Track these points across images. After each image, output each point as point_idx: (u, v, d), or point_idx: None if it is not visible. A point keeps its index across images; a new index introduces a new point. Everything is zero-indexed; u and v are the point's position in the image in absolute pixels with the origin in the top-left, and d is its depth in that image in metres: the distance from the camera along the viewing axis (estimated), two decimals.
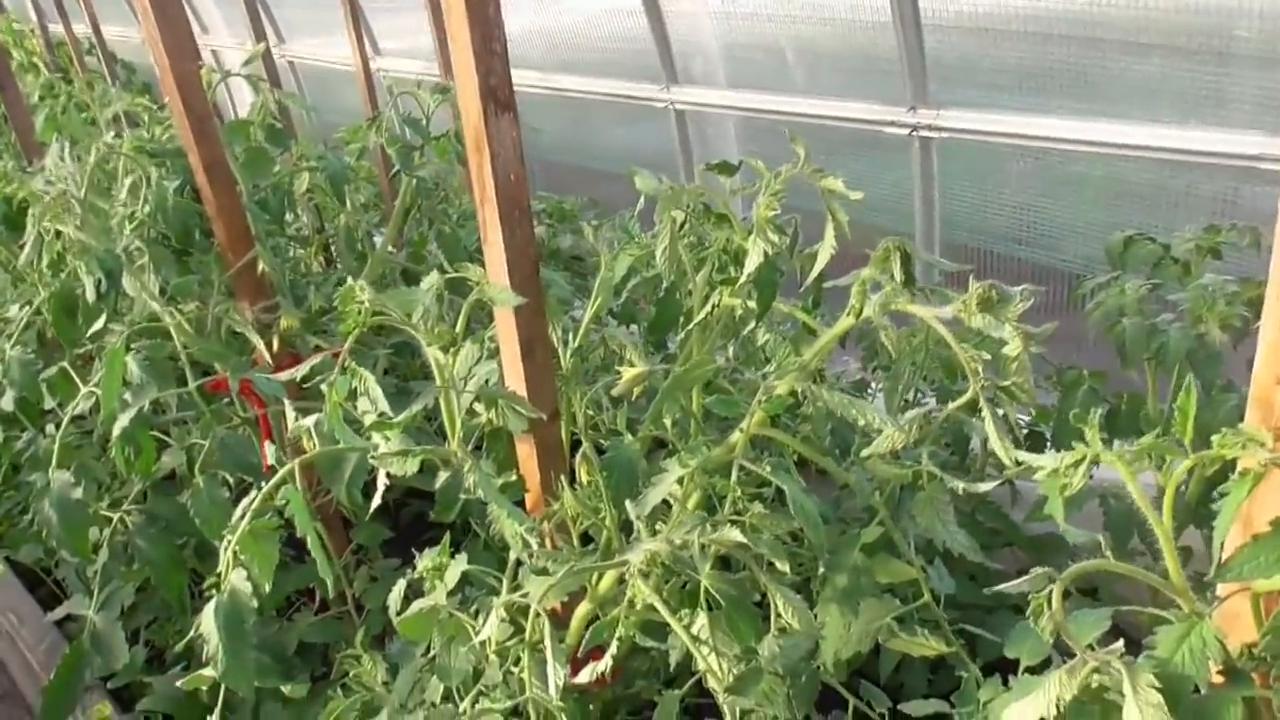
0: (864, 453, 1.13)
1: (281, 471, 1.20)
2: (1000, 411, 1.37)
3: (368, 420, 1.18)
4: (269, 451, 1.37)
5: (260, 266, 1.97)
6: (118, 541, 1.94)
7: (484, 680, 1.27)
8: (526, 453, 1.42)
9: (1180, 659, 0.78)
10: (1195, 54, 2.50)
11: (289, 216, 2.64)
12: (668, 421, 1.29)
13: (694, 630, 1.09)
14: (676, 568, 1.01)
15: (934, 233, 3.27)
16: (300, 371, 1.24)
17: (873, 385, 2.51)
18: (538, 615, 1.06)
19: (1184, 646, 0.78)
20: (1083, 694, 0.81)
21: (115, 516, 1.94)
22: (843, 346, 2.36)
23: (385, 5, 4.90)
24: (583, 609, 1.34)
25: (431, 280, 1.19)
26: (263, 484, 1.62)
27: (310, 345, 2.13)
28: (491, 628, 1.12)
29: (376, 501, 1.23)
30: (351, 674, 1.62)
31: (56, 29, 6.08)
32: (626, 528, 1.40)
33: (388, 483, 1.17)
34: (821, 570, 1.14)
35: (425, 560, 1.43)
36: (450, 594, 1.38)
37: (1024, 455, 0.87)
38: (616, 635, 1.05)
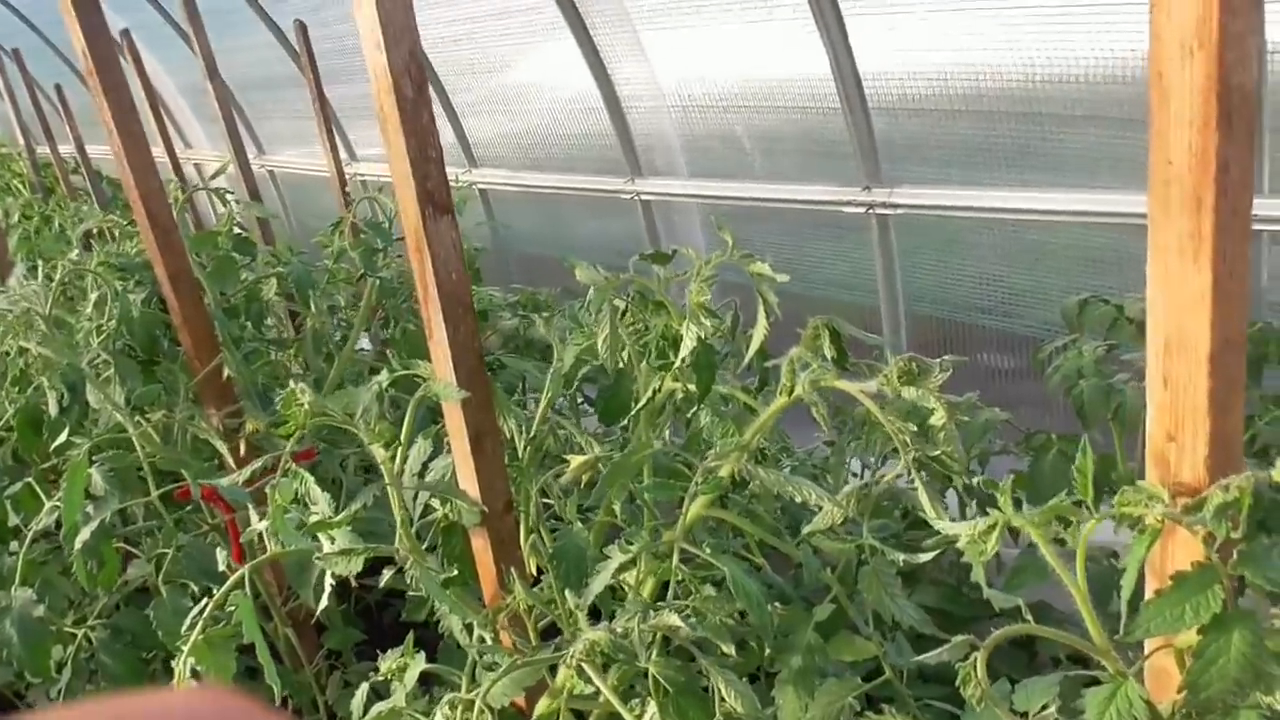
0: (805, 530, 1.14)
1: (232, 579, 1.20)
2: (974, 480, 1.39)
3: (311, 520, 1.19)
4: (220, 558, 1.37)
5: (225, 372, 2.00)
6: (82, 659, 1.91)
7: None
8: (481, 546, 1.43)
9: None
10: (1128, 123, 2.60)
11: (269, 320, 2.69)
12: (616, 507, 1.31)
13: (645, 719, 1.08)
14: (619, 657, 1.01)
15: (898, 305, 3.33)
16: (243, 476, 1.26)
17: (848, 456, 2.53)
18: (482, 712, 1.05)
19: (1111, 708, 0.79)
20: None
21: (80, 633, 1.93)
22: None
23: (361, 113, 5.07)
24: (543, 703, 1.33)
25: (377, 380, 1.21)
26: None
27: (279, 448, 2.14)
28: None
29: (324, 603, 1.23)
30: None
31: (44, 151, 6.25)
32: (595, 615, 1.40)
33: (337, 584, 1.17)
34: (769, 652, 1.14)
35: (388, 661, 1.42)
36: (416, 695, 1.37)
37: (942, 524, 0.88)
38: None
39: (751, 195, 3.55)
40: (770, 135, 3.44)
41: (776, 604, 1.33)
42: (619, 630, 1.00)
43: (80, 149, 5.49)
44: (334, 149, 3.91)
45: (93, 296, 1.94)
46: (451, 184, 3.79)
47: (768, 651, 1.15)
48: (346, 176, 4.88)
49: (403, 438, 1.29)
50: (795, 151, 3.39)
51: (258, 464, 1.23)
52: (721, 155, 3.63)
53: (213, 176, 2.31)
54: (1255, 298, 2.62)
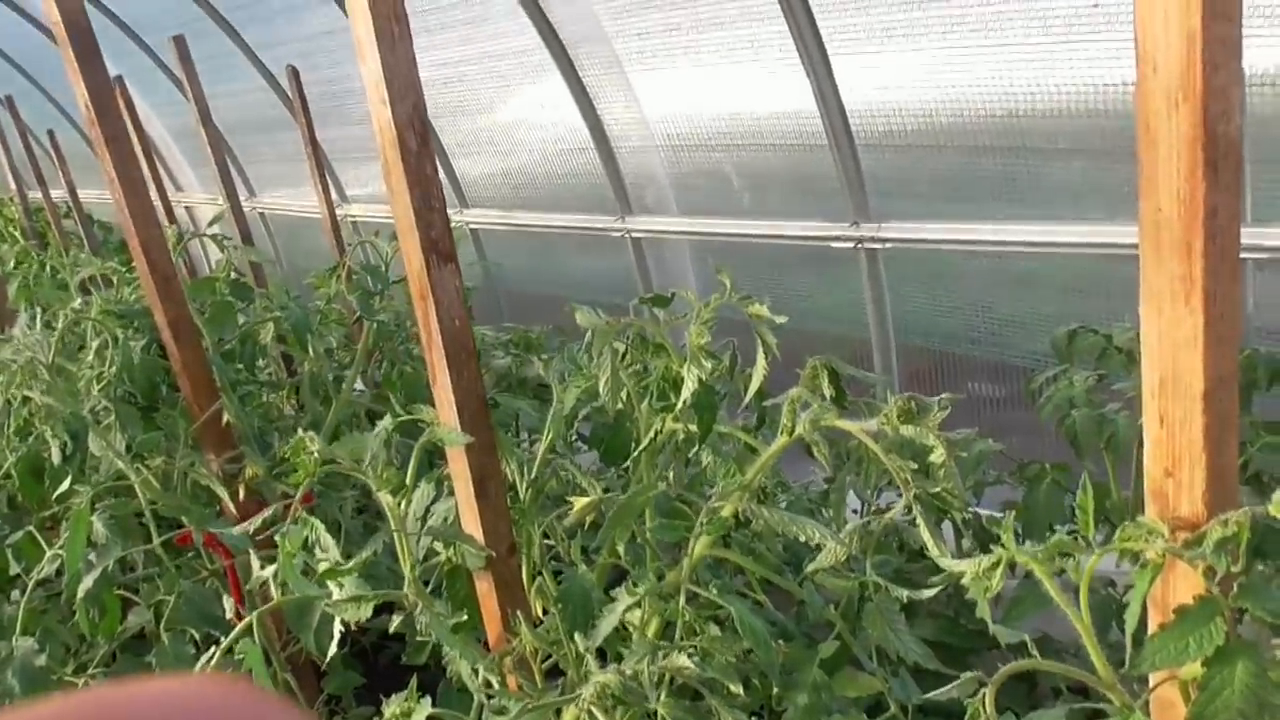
0: (808, 568, 1.15)
1: (240, 626, 1.20)
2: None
3: (321, 568, 1.20)
4: (227, 605, 1.37)
5: (225, 418, 2.00)
6: None
7: None
8: (485, 589, 1.43)
9: None
10: (1112, 154, 2.65)
11: (261, 363, 2.70)
12: (620, 549, 1.32)
13: None
14: (629, 699, 1.02)
15: (889, 338, 3.37)
16: (253, 524, 1.26)
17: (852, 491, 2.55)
18: None
19: None
20: None
21: (80, 682, 1.91)
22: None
23: (352, 155, 5.11)
24: None
25: (382, 426, 1.23)
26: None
27: (277, 492, 2.15)
28: None
29: (332, 650, 1.23)
30: None
31: (35, 195, 6.27)
32: (600, 655, 1.40)
33: (343, 630, 1.18)
34: (776, 690, 1.15)
35: (391, 706, 1.42)
36: None
37: (946, 562, 0.90)
38: None
39: (741, 231, 3.60)
40: (758, 172, 3.49)
41: (780, 641, 1.34)
42: (628, 672, 1.01)
43: (72, 194, 5.52)
44: (326, 191, 3.94)
45: (94, 344, 1.95)
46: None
47: (774, 689, 1.15)
48: (340, 218, 4.92)
49: (408, 483, 1.30)
50: (783, 188, 3.44)
51: (268, 512, 1.24)
52: (710, 192, 3.67)
53: (210, 224, 2.34)
54: (1243, 324, 2.66)
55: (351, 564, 1.17)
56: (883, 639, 1.15)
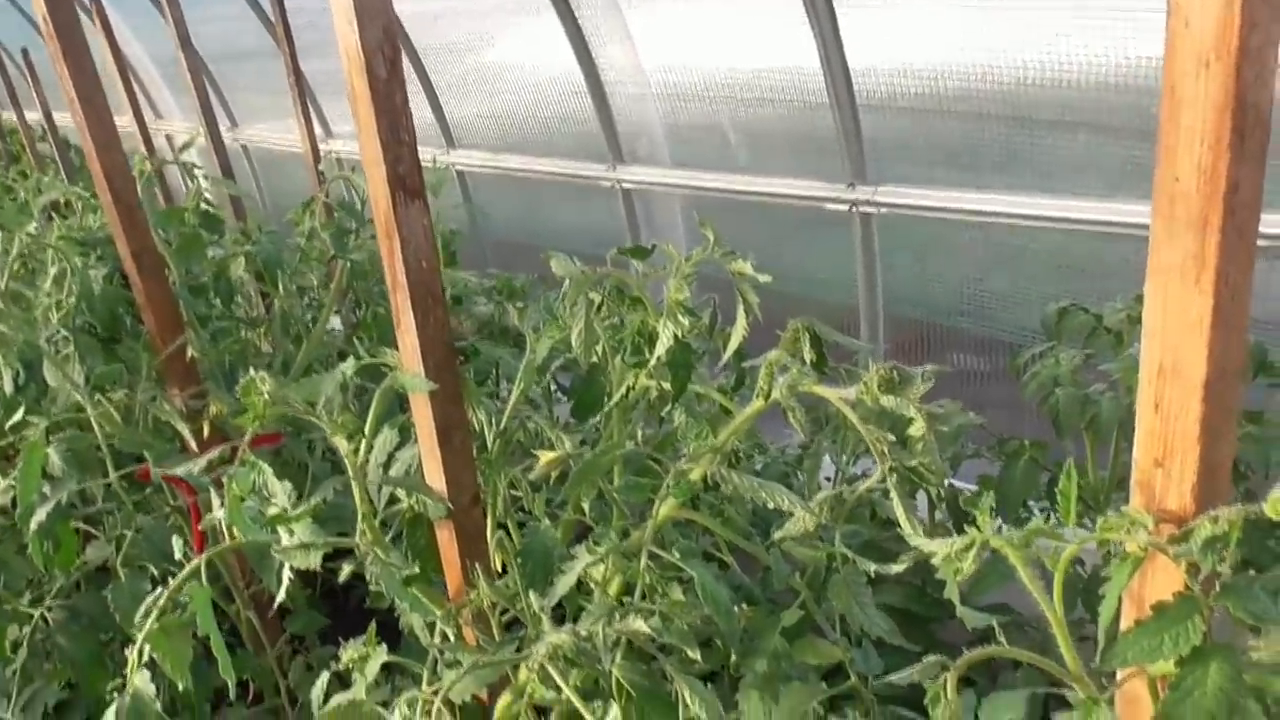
0: (775, 535, 1.11)
1: (188, 568, 1.16)
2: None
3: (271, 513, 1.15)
4: (176, 546, 1.33)
5: (189, 353, 1.94)
6: (38, 639, 1.86)
7: None
8: (446, 540, 1.39)
9: None
10: (1117, 131, 2.59)
11: (238, 300, 2.62)
12: (585, 505, 1.28)
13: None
14: (581, 661, 0.98)
15: (877, 306, 3.32)
16: (199, 464, 1.21)
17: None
18: (440, 711, 1.02)
19: None
20: None
21: (36, 613, 1.88)
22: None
23: (337, 88, 4.97)
24: (504, 700, 1.30)
25: (340, 369, 1.17)
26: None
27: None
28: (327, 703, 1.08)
29: (281, 594, 1.19)
30: None
31: (9, 115, 6.09)
32: (560, 609, 1.37)
33: (311, 570, 1.13)
34: (734, 657, 1.12)
35: (349, 651, 1.38)
36: (378, 684, 1.34)
37: (919, 540, 0.86)
38: None
39: (734, 188, 3.52)
40: (755, 128, 3.40)
41: (744, 605, 1.31)
42: (583, 633, 0.97)
43: (48, 116, 5.37)
44: (308, 124, 3.83)
45: (52, 271, 1.88)
46: (428, 165, 3.72)
47: (733, 655, 1.12)
48: (321, 153, 4.80)
49: (368, 429, 1.25)
50: (780, 145, 3.36)
51: (215, 453, 1.18)
52: (705, 145, 3.58)
53: (181, 150, 2.25)
54: None
55: (299, 511, 1.12)
56: (848, 611, 1.12)
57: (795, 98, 3.18)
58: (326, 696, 1.35)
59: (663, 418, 1.35)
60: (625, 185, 3.84)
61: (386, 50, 1.17)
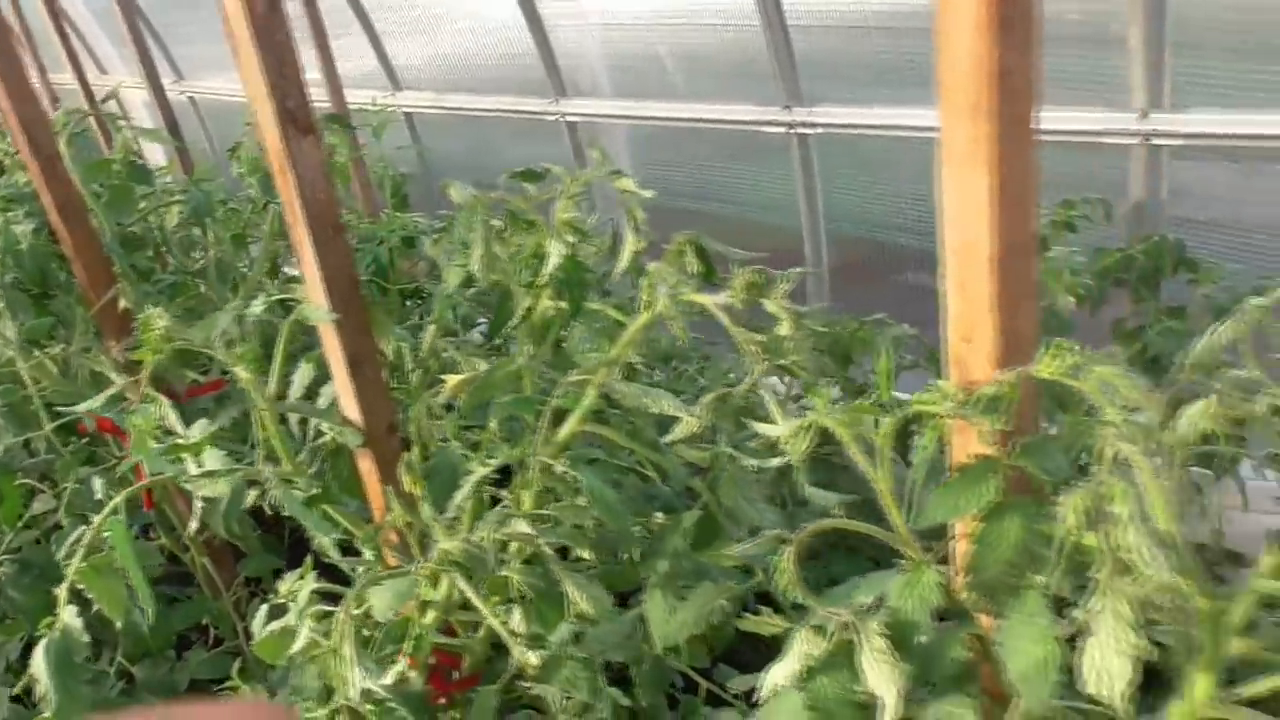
0: (666, 439, 1.17)
1: (108, 506, 1.21)
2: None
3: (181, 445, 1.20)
4: (97, 487, 1.38)
5: (122, 304, 1.97)
6: None
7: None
8: (367, 468, 1.45)
9: (907, 606, 0.83)
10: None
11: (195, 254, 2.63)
12: (494, 425, 1.33)
13: (511, 624, 1.13)
14: (471, 564, 1.04)
15: (819, 225, 3.36)
16: (97, 403, 1.25)
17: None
18: (343, 621, 1.09)
19: (911, 594, 0.84)
20: (836, 649, 0.86)
21: None
22: None
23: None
24: (429, 615, 1.37)
25: (234, 303, 1.21)
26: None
27: (188, 379, 2.13)
28: (302, 640, 1.14)
29: (193, 526, 1.25)
30: None
31: None
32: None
33: (203, 504, 1.19)
34: (626, 556, 1.19)
35: (286, 584, 1.45)
36: (316, 615, 1.40)
37: (761, 427, 0.92)
38: (415, 635, 1.08)
39: (675, 115, 3.52)
40: (692, 54, 3.39)
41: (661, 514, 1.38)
42: (473, 540, 1.03)
43: None
44: None
45: None
46: (369, 107, 3.69)
47: (627, 556, 1.19)
48: None
49: (276, 360, 1.29)
50: (717, 71, 3.36)
51: (111, 390, 1.22)
52: (644, 75, 3.58)
53: (101, 101, 2.24)
54: (1155, 212, 2.68)
55: (198, 439, 1.17)
56: (735, 507, 1.18)
57: (729, 21, 3.17)
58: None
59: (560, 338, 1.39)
60: (569, 118, 3.83)
61: None
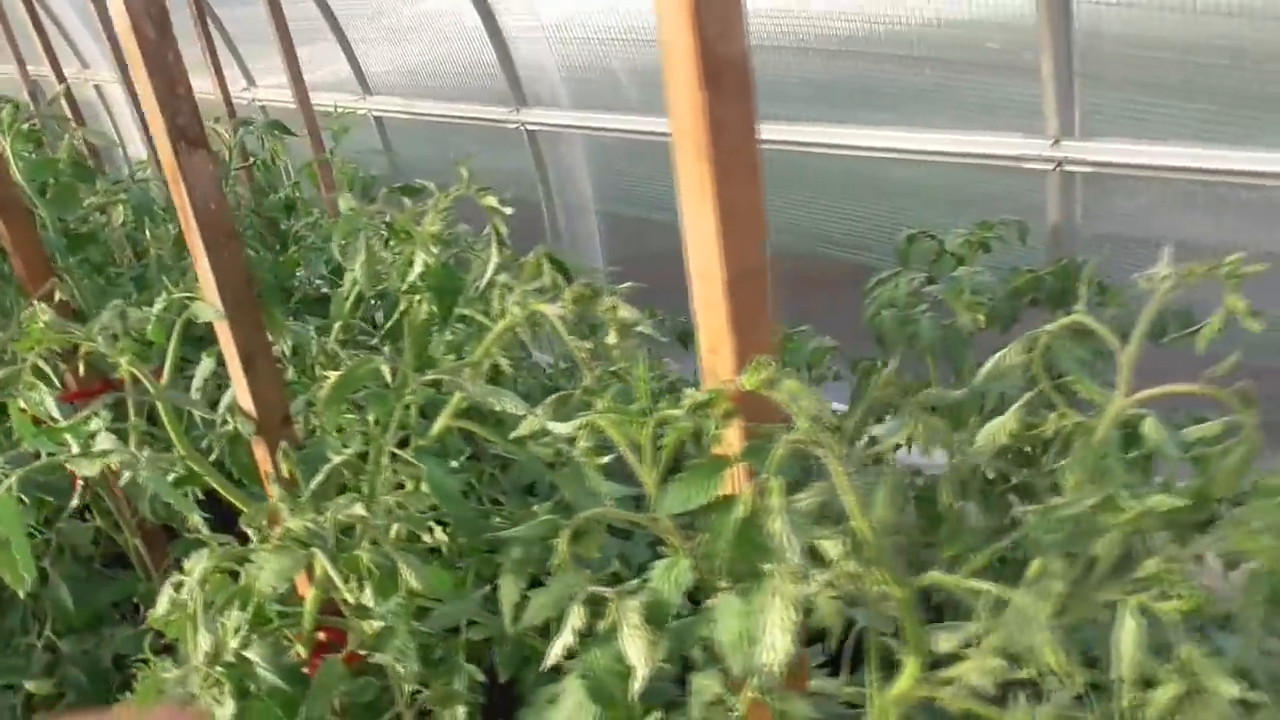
0: (511, 436, 1.28)
1: (3, 486, 1.31)
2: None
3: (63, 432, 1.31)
4: None
5: (58, 296, 2.08)
6: None
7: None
8: (263, 455, 1.56)
9: (664, 588, 0.94)
10: (960, 64, 2.72)
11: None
12: (372, 419, 1.44)
13: (364, 596, 1.24)
14: (312, 542, 1.15)
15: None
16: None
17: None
18: (195, 589, 1.20)
19: (668, 578, 0.95)
20: (609, 626, 0.97)
21: None
22: None
23: (259, 37, 5.01)
24: (311, 592, 1.48)
25: (115, 301, 1.32)
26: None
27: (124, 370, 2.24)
28: (161, 607, 1.25)
29: (74, 503, 1.35)
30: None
31: None
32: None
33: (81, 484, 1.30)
34: (461, 541, 1.30)
35: (189, 565, 1.56)
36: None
37: (552, 425, 1.03)
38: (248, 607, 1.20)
39: (630, 128, 3.63)
40: (644, 68, 3.51)
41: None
42: (318, 520, 1.14)
43: None
44: (219, 74, 3.90)
45: None
46: (330, 110, 3.77)
47: (458, 542, 1.30)
48: (245, 104, 4.85)
49: (170, 352, 1.40)
50: (649, 84, 3.47)
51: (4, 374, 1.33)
52: (600, 87, 3.69)
53: (50, 100, 2.35)
54: (1071, 234, 2.79)
55: (67, 424, 1.28)
56: (576, 499, 1.29)
57: None
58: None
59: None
60: (529, 127, 3.94)
61: (154, 13, 1.30)
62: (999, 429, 1.28)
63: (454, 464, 1.31)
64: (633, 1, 3.40)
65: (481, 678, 1.40)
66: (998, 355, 1.27)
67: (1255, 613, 0.95)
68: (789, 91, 3.13)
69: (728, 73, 0.79)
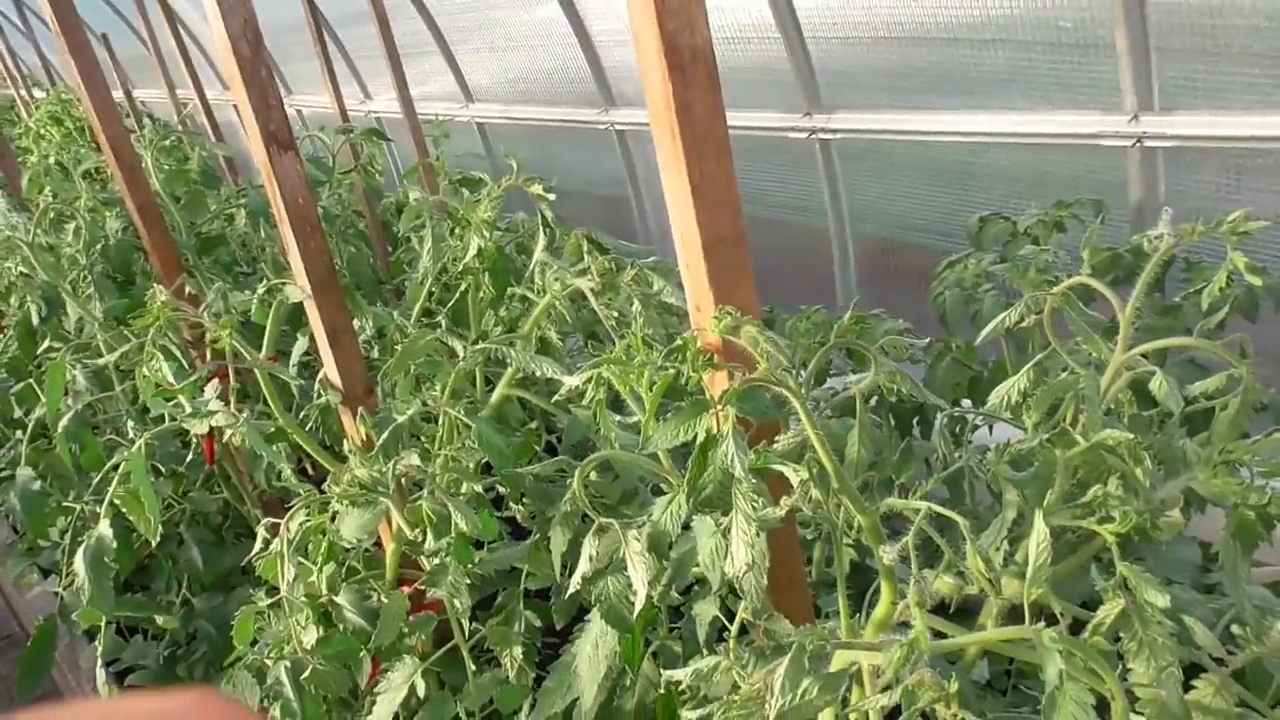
0: (554, 399, 1.42)
1: (133, 449, 1.54)
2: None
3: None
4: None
5: (187, 289, 2.35)
6: (78, 527, 2.33)
7: None
8: (349, 422, 1.75)
9: (663, 521, 1.06)
10: (1030, 44, 2.71)
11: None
12: (439, 388, 1.61)
13: (428, 546, 1.41)
14: (377, 489, 1.32)
15: (845, 225, 3.52)
16: (111, 359, 1.58)
17: None
18: (283, 535, 1.39)
19: (667, 512, 1.07)
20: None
21: (78, 507, 2.34)
22: None
23: (373, 53, 5.36)
24: (390, 546, 1.66)
25: (217, 286, 1.54)
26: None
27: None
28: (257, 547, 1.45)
29: (203, 474, 1.57)
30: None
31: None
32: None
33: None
34: (522, 497, 1.44)
35: (288, 518, 1.77)
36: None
37: (565, 378, 1.16)
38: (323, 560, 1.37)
39: None
40: (724, 65, 3.60)
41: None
42: (375, 473, 1.31)
43: (128, 94, 5.93)
44: (335, 88, 4.21)
45: (71, 226, 2.31)
46: (443, 118, 4.04)
47: (521, 498, 1.45)
48: (362, 115, 5.19)
49: (268, 330, 1.61)
50: (743, 80, 3.56)
51: (125, 348, 1.56)
52: None
53: (181, 118, 2.64)
54: (1153, 211, 2.74)
55: (183, 385, 1.49)
56: (615, 460, 1.42)
57: (752, 35, 3.38)
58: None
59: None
60: (618, 127, 4.10)
61: (249, 35, 1.50)
62: (1011, 388, 1.35)
63: (516, 431, 1.46)
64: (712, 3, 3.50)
65: (538, 623, 1.55)
66: (1000, 320, 1.33)
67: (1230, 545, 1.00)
68: (864, 81, 3.17)
69: (692, 61, 0.90)
